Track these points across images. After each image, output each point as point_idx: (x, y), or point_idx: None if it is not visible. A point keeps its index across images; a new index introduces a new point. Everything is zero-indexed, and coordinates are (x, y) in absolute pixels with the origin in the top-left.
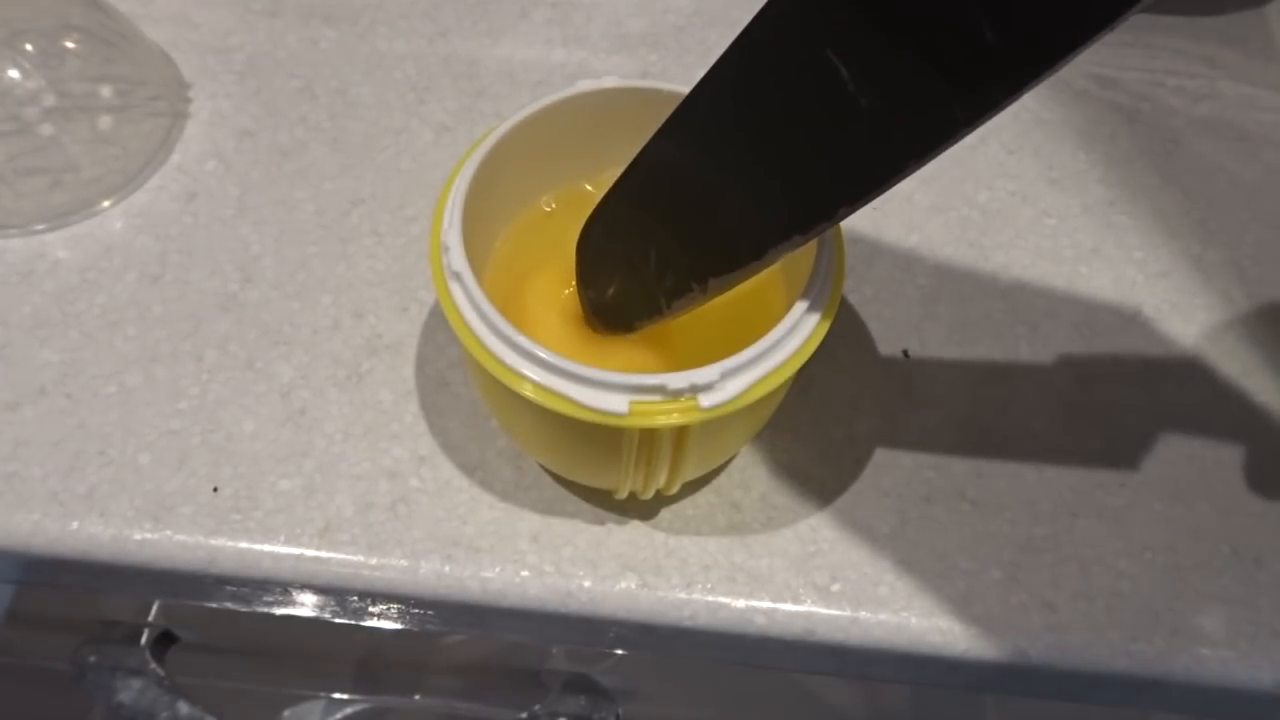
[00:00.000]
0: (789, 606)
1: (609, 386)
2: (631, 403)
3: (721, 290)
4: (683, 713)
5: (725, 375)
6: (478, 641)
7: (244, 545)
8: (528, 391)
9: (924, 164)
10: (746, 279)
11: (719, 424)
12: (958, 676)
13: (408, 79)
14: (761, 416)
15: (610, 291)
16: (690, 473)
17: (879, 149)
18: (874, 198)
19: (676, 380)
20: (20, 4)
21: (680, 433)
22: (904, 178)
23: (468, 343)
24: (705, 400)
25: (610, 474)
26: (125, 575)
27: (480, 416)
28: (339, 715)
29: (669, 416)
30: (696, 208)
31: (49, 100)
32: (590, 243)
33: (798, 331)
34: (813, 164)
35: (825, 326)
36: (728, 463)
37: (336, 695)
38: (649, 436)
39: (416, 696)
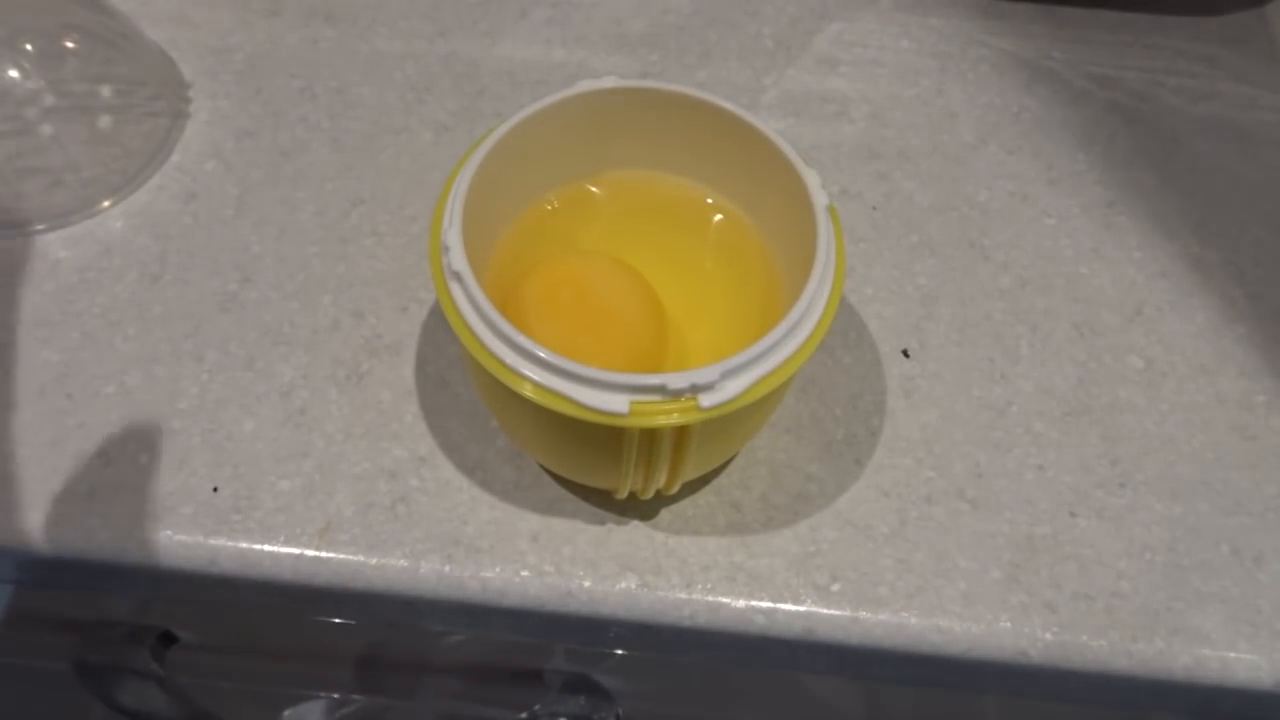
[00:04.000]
0: (789, 606)
1: (609, 386)
2: (632, 403)
3: None
4: (683, 713)
5: (726, 375)
6: (478, 641)
7: (244, 545)
8: (528, 391)
9: None
10: None
11: (719, 424)
12: (958, 676)
13: (408, 79)
14: (762, 416)
15: None
16: (690, 472)
17: None
18: None
19: (677, 380)
20: (20, 4)
21: (680, 433)
22: None
23: (468, 343)
24: (706, 400)
25: (610, 474)
26: (125, 575)
27: (480, 416)
28: (339, 715)
29: (669, 416)
30: None
31: (49, 100)
32: None
33: (798, 331)
34: None
35: (825, 326)
36: (728, 463)
37: (336, 695)
38: (649, 436)
39: (416, 697)
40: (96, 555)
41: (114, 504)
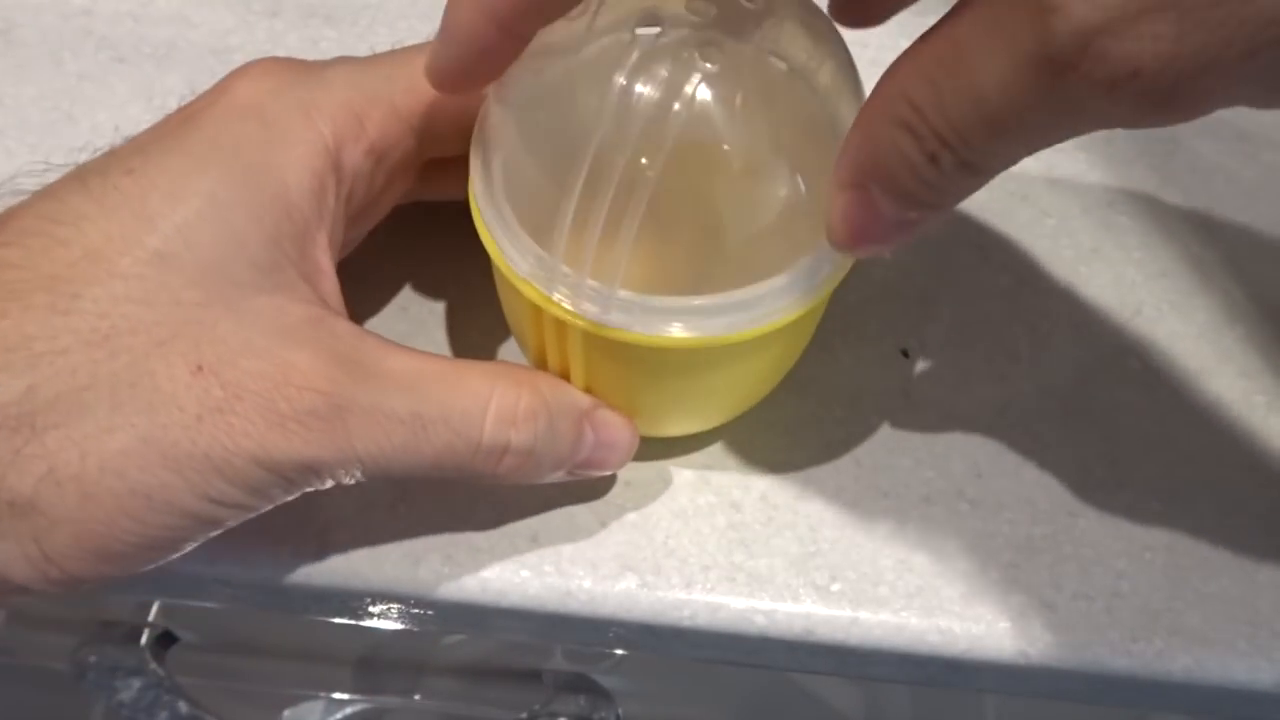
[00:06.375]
0: (789, 606)
1: (531, 256)
2: (535, 276)
3: None
4: (683, 713)
5: (631, 305)
6: (478, 641)
7: (244, 545)
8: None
9: None
10: None
11: (625, 363)
12: (958, 676)
13: None
14: (715, 386)
15: None
16: (620, 404)
17: None
18: None
19: (583, 283)
20: None
21: (586, 338)
22: None
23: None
24: (593, 313)
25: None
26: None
27: None
28: (339, 715)
29: (556, 309)
30: None
31: None
32: None
33: (755, 306)
34: None
35: (789, 318)
36: (726, 460)
37: (336, 695)
38: (557, 325)
39: (416, 696)
40: None
41: None
